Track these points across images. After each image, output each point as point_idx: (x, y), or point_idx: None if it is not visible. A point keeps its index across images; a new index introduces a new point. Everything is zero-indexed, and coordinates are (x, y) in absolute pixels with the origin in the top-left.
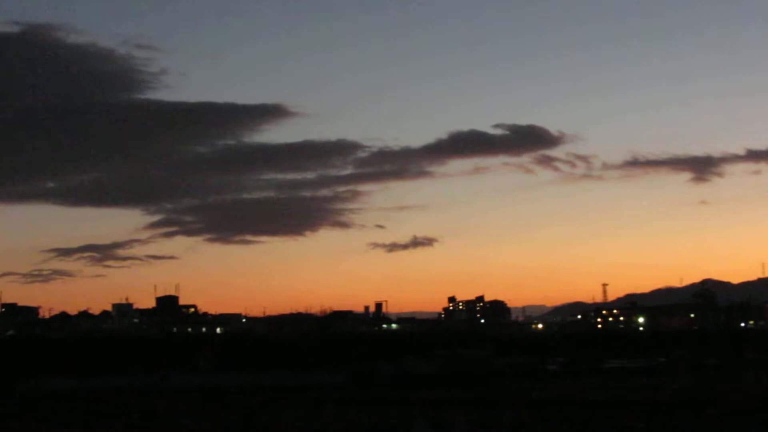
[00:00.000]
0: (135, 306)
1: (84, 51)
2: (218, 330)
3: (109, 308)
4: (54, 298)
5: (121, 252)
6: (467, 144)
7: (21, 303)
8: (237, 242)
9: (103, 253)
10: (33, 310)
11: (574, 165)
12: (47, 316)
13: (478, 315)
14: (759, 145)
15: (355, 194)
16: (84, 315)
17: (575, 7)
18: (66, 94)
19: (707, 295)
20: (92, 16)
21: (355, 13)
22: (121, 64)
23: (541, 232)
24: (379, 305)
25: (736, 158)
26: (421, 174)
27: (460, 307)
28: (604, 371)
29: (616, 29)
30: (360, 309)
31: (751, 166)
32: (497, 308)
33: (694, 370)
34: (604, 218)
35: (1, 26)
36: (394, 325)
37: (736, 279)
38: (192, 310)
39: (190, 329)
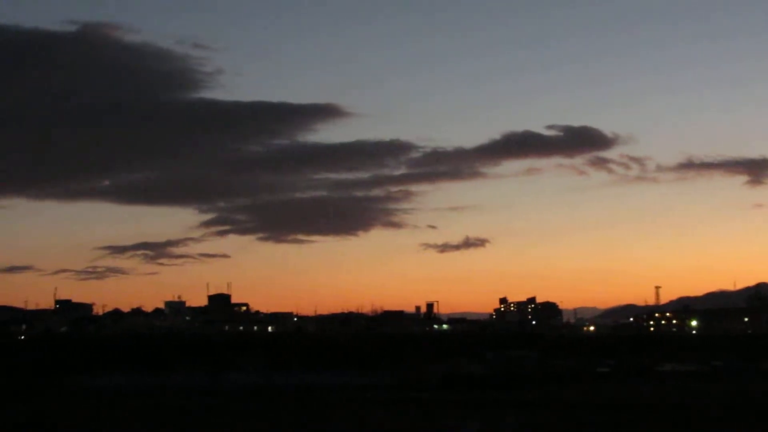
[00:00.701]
0: (187, 304)
1: (140, 50)
2: (269, 328)
3: (161, 306)
4: (108, 295)
5: (174, 250)
6: (520, 145)
7: (75, 300)
8: (289, 241)
9: (157, 251)
10: (87, 307)
11: (627, 167)
12: (101, 312)
13: (530, 316)
14: None
15: (408, 194)
16: (137, 312)
17: (629, 9)
18: (122, 94)
19: (762, 298)
20: (148, 16)
21: (409, 13)
22: (176, 64)
23: (594, 234)
24: (430, 306)
25: None
26: (474, 175)
27: (512, 309)
28: (654, 375)
29: (669, 32)
30: (411, 309)
31: None
32: (549, 310)
33: (739, 375)
34: (658, 221)
35: (58, 25)
36: (444, 326)
37: None
38: (244, 308)
39: (241, 327)
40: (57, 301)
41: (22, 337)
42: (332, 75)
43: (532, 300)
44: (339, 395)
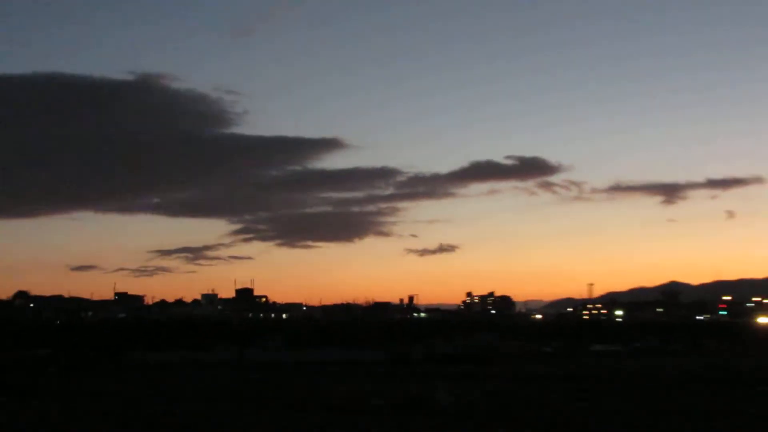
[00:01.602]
0: (219, 296)
1: (185, 95)
2: (284, 316)
3: (198, 297)
4: (156, 289)
5: (209, 253)
6: (484, 171)
7: (130, 292)
8: (300, 247)
9: (195, 254)
10: (139, 298)
11: (568, 189)
12: (150, 302)
13: (490, 307)
14: (716, 175)
15: (394, 210)
16: (179, 302)
17: (569, 56)
18: (170, 129)
19: (672, 293)
20: (191, 67)
21: (396, 61)
22: (212, 106)
23: (541, 241)
24: (411, 298)
25: (697, 185)
26: (447, 194)
27: (476, 301)
28: (587, 353)
29: (601, 80)
30: (396, 301)
31: (710, 192)
32: (505, 302)
33: (654, 353)
34: (591, 231)
35: (121, 75)
36: (423, 314)
37: (695, 281)
38: (264, 299)
39: (261, 315)
40: (116, 294)
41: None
42: (335, 115)
43: (491, 294)
44: (341, 368)
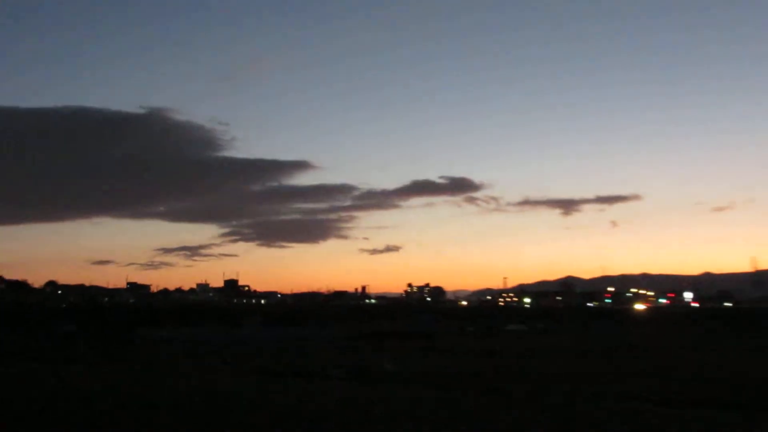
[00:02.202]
0: (211, 285)
1: (185, 125)
2: (262, 301)
3: (194, 286)
4: (160, 280)
5: (203, 251)
6: (422, 188)
7: (139, 282)
8: (276, 246)
9: (192, 251)
10: (146, 287)
11: (488, 203)
12: (155, 290)
13: (426, 295)
14: (603, 193)
15: (351, 218)
16: (178, 290)
17: (491, 92)
18: (173, 153)
19: (568, 285)
20: (190, 103)
21: (355, 101)
22: (207, 134)
23: (467, 243)
24: (364, 288)
25: (588, 201)
26: (393, 206)
27: (415, 290)
28: (502, 332)
29: (515, 114)
30: (352, 290)
31: (598, 206)
32: (438, 291)
33: (555, 333)
34: (506, 236)
35: (135, 109)
36: (373, 301)
37: (586, 276)
38: (246, 288)
39: (244, 300)
40: (128, 283)
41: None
42: (305, 141)
43: (427, 285)
44: (307, 343)
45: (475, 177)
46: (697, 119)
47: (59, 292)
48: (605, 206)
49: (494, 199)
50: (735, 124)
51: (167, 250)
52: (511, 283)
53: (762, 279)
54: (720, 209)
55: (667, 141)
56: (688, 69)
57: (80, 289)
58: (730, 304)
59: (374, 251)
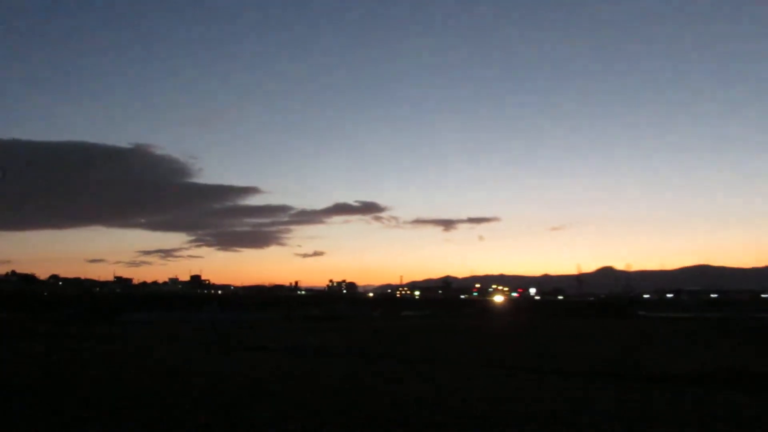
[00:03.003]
0: (180, 279)
1: (163, 158)
2: (219, 292)
3: (167, 280)
4: (141, 275)
5: (175, 253)
6: (341, 209)
7: (124, 276)
8: (231, 251)
9: (166, 253)
10: (129, 280)
11: (390, 221)
12: (137, 283)
13: (343, 288)
14: (473, 215)
15: (288, 230)
16: (154, 283)
17: (390, 124)
18: (154, 179)
19: (447, 282)
20: (167, 140)
21: (289, 137)
22: (181, 165)
23: (373, 251)
24: (296, 283)
25: (462, 220)
26: (320, 222)
27: (335, 284)
28: (399, 318)
29: (409, 146)
30: (288, 284)
31: (470, 225)
32: (352, 285)
33: (440, 318)
34: (403, 247)
35: (123, 144)
36: (303, 293)
37: (461, 276)
38: (207, 281)
39: (205, 291)
40: (115, 277)
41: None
42: (255, 171)
43: (344, 281)
44: (252, 323)
45: (381, 201)
46: (539, 159)
47: (60, 283)
48: (474, 225)
49: (394, 218)
50: (566, 163)
51: (146, 252)
52: (406, 280)
53: (584, 279)
54: (556, 228)
55: (518, 177)
56: (535, 119)
57: (77, 282)
58: (561, 297)
59: (305, 255)
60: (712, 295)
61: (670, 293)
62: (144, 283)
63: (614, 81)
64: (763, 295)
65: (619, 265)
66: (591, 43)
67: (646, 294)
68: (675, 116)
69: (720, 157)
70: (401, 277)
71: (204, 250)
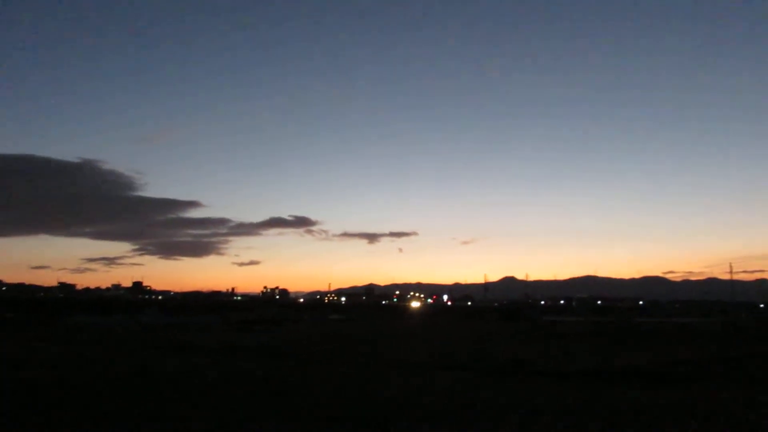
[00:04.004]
0: (122, 285)
1: (110, 173)
2: (160, 297)
3: (110, 286)
4: (85, 281)
5: (118, 261)
6: (277, 222)
7: (68, 282)
8: (172, 259)
9: (110, 261)
10: (73, 286)
11: (320, 233)
12: (80, 288)
13: (276, 295)
14: (395, 229)
15: (227, 241)
16: (98, 289)
17: (324, 145)
18: (102, 192)
19: (371, 290)
20: (115, 155)
21: (228, 155)
22: (126, 179)
23: (305, 261)
24: (233, 289)
25: (385, 234)
26: (257, 234)
27: (268, 291)
28: (327, 320)
29: (341, 167)
30: (224, 290)
31: (391, 238)
32: (285, 292)
33: (367, 319)
34: (332, 257)
35: (73, 159)
36: (239, 298)
37: (383, 283)
38: (148, 287)
39: (146, 296)
40: (59, 283)
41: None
42: (196, 187)
43: (277, 287)
44: (190, 327)
45: (313, 216)
46: (452, 179)
47: (3, 288)
48: (395, 238)
49: (324, 231)
50: (475, 183)
51: (91, 260)
52: (333, 287)
53: (490, 287)
54: (466, 242)
55: (434, 196)
56: (448, 145)
57: (21, 287)
58: (470, 303)
59: (242, 264)
60: (597, 302)
61: (562, 300)
62: (87, 289)
63: (516, 108)
64: (640, 302)
65: (520, 275)
66: (501, 71)
67: (542, 301)
68: (567, 142)
69: (605, 183)
70: (329, 284)
71: (146, 258)
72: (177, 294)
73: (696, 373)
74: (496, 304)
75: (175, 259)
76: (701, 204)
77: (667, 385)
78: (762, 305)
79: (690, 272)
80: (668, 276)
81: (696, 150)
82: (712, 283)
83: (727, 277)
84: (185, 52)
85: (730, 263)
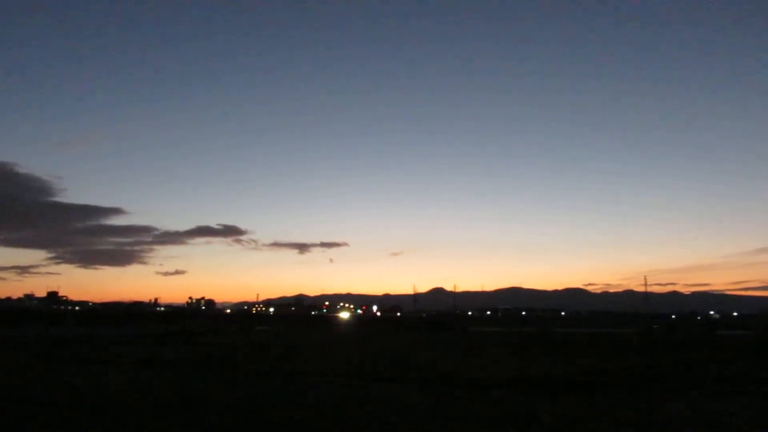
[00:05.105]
0: (36, 295)
1: (26, 177)
2: (77, 308)
3: (22, 296)
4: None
5: (32, 270)
6: (204, 231)
7: None
8: (92, 268)
9: (23, 269)
10: None
11: (249, 243)
12: None
13: (202, 305)
14: (325, 240)
15: (151, 250)
16: (8, 299)
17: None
18: (18, 197)
19: (300, 300)
20: (32, 160)
21: (156, 164)
22: (44, 184)
23: (233, 270)
24: (156, 299)
25: (315, 244)
26: (182, 243)
27: (194, 301)
28: (253, 332)
29: (264, 179)
30: (147, 300)
31: (322, 248)
32: (211, 302)
33: (285, 333)
34: (262, 266)
35: None
36: (163, 308)
37: (312, 294)
38: (65, 298)
39: (62, 307)
40: None
41: None
42: (119, 192)
43: (203, 298)
44: (111, 339)
45: (242, 225)
46: (382, 192)
47: None
48: (326, 249)
49: (254, 240)
50: (405, 196)
51: (2, 268)
52: (262, 297)
53: (419, 298)
54: (396, 254)
55: (365, 207)
56: (378, 158)
57: None
58: (399, 314)
59: (166, 273)
60: (522, 313)
61: (488, 311)
62: (4, 299)
63: (445, 121)
64: (562, 313)
65: (448, 287)
66: (425, 84)
67: (470, 311)
68: (494, 157)
69: (531, 198)
70: (258, 294)
71: (63, 267)
72: (96, 305)
73: (602, 381)
74: (424, 315)
75: (95, 268)
76: (619, 220)
77: (574, 392)
78: (674, 316)
79: (608, 284)
80: (588, 288)
81: (613, 170)
82: (628, 294)
83: (642, 289)
84: (108, 53)
85: (645, 276)
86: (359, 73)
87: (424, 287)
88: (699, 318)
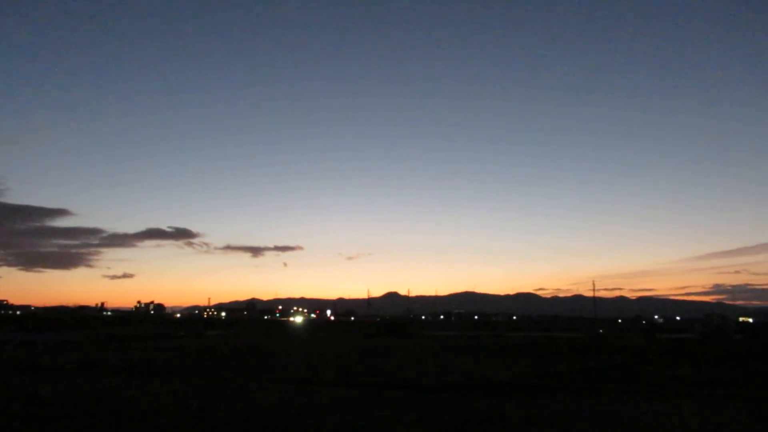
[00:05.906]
0: None
1: None
2: (18, 312)
3: None
4: None
5: None
6: (154, 234)
7: None
8: (34, 271)
9: None
10: None
11: (201, 246)
12: None
13: (151, 310)
14: (279, 243)
15: (98, 252)
16: None
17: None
18: None
19: (253, 304)
20: None
21: (110, 162)
22: None
23: (184, 273)
24: (102, 303)
25: (269, 248)
26: (132, 246)
27: (142, 306)
28: (206, 336)
29: (224, 184)
30: (94, 304)
31: (276, 252)
32: (160, 307)
33: (239, 336)
34: (214, 270)
35: None
36: (110, 313)
37: (265, 298)
38: (5, 301)
39: (3, 311)
40: None
41: None
42: (65, 193)
43: (152, 302)
44: (54, 345)
45: (194, 228)
46: (337, 195)
47: None
48: (280, 252)
49: (206, 244)
50: (360, 200)
51: None
52: (214, 302)
53: (373, 303)
54: (350, 258)
55: (320, 211)
56: (334, 161)
57: None
58: (353, 318)
59: (114, 277)
60: (475, 317)
61: (442, 315)
62: None
63: (399, 127)
64: (514, 317)
65: (402, 291)
66: (384, 88)
67: (423, 316)
68: (448, 163)
69: (483, 204)
70: (209, 298)
71: (3, 270)
72: (38, 309)
73: (547, 383)
74: (378, 319)
75: (37, 271)
76: (570, 227)
77: (518, 395)
78: (620, 320)
79: (559, 289)
80: (539, 293)
81: (564, 178)
82: (577, 299)
83: (590, 294)
84: (53, 52)
85: (593, 281)
86: (309, 76)
87: (378, 291)
88: (644, 322)
